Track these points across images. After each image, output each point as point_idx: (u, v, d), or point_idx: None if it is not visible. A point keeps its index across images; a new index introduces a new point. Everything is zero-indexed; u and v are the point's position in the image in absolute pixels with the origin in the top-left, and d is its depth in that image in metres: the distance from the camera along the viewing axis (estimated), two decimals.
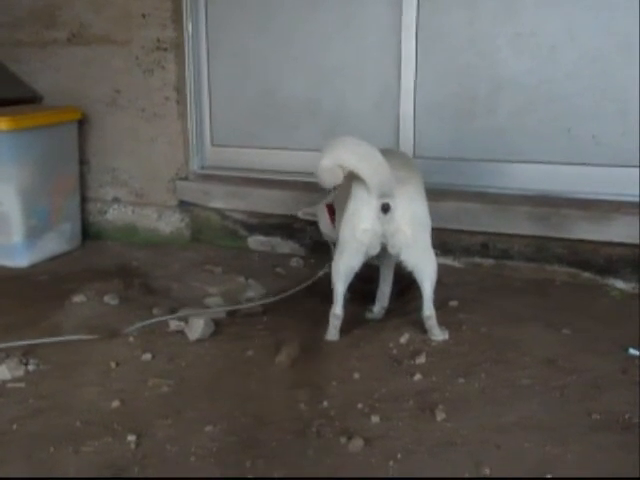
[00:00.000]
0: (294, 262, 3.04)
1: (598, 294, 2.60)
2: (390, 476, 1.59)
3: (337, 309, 2.26)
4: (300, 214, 2.80)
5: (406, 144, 2.97)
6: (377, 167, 2.08)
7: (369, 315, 2.48)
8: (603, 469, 1.58)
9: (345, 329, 2.28)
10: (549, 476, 1.55)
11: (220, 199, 3.29)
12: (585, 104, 2.72)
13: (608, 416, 1.78)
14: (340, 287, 2.24)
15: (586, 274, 2.70)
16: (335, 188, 2.58)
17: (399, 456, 1.64)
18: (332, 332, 2.27)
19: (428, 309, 2.22)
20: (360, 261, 2.21)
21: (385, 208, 2.11)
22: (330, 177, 2.13)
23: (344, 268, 2.22)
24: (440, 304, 2.30)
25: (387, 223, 2.12)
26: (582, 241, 2.68)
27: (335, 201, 2.51)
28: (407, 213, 2.14)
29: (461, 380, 1.98)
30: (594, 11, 2.65)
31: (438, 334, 2.23)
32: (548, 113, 2.78)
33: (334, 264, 2.25)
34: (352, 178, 2.14)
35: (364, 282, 2.49)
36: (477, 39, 2.84)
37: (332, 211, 2.62)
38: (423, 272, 2.20)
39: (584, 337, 2.22)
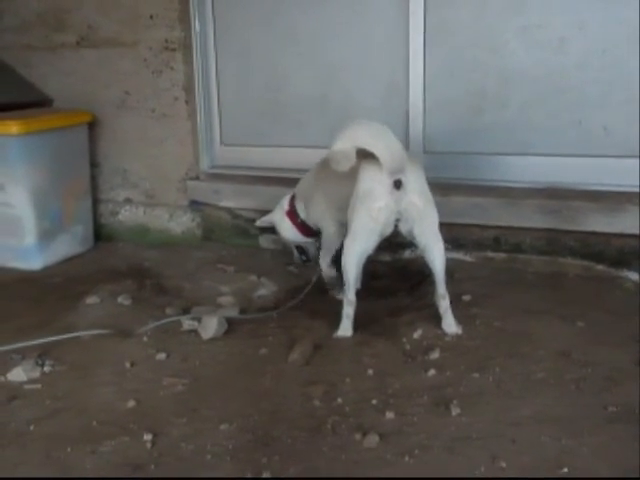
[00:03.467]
0: (298, 260, 3.04)
1: (611, 286, 2.58)
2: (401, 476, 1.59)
3: (351, 294, 2.26)
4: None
5: (416, 139, 2.97)
6: (389, 143, 2.12)
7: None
8: (619, 461, 1.58)
9: (357, 325, 2.28)
10: (565, 469, 1.55)
11: (231, 198, 3.29)
12: (595, 95, 2.71)
13: (624, 408, 1.77)
14: (353, 272, 2.23)
15: (599, 266, 2.69)
16: (294, 196, 2.66)
17: (415, 451, 1.64)
18: (346, 324, 2.27)
19: (441, 288, 2.25)
20: (375, 243, 2.22)
21: (397, 184, 2.13)
22: (345, 160, 2.15)
23: (358, 251, 2.22)
24: (453, 299, 2.30)
25: (400, 199, 2.15)
26: (594, 233, 2.67)
27: (326, 193, 2.51)
28: (417, 187, 2.18)
29: (475, 375, 1.97)
30: (602, 1, 2.64)
31: (452, 324, 2.23)
32: (558, 105, 2.77)
33: (346, 249, 2.24)
34: (358, 163, 2.16)
35: (373, 278, 2.50)
36: (485, 32, 2.83)
37: (293, 218, 2.66)
38: (433, 250, 2.23)
39: (598, 329, 2.22)
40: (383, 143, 2.12)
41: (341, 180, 2.31)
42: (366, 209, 2.17)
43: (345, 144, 2.14)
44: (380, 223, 2.17)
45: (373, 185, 2.16)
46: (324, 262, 2.65)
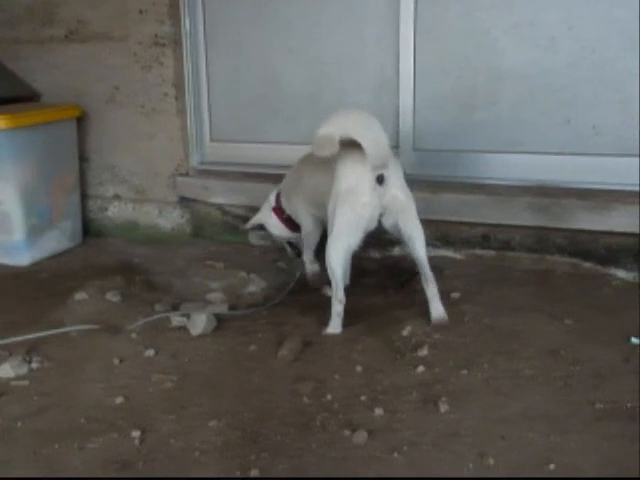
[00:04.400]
0: (289, 255, 3.04)
1: (599, 284, 2.60)
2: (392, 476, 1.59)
3: (340, 293, 2.25)
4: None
5: (405, 136, 2.97)
6: (377, 137, 2.12)
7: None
8: (607, 458, 1.59)
9: (346, 322, 2.28)
10: (553, 466, 1.55)
11: (220, 194, 3.28)
12: (585, 94, 2.72)
13: (611, 405, 1.78)
14: (339, 270, 2.23)
15: (587, 264, 2.70)
16: (279, 193, 2.68)
17: (404, 448, 1.65)
18: (336, 322, 2.26)
19: (428, 271, 2.27)
20: (359, 239, 2.21)
21: (380, 179, 2.14)
22: (328, 145, 2.13)
23: (343, 248, 2.21)
24: (442, 296, 2.31)
25: (383, 194, 2.16)
26: (583, 231, 2.68)
27: (304, 188, 2.52)
28: (398, 182, 2.20)
29: (464, 372, 1.98)
30: (593, 0, 2.64)
31: (439, 308, 2.25)
32: (548, 103, 2.77)
33: (330, 247, 2.23)
34: (337, 158, 2.16)
35: (362, 275, 2.50)
36: (476, 30, 2.83)
37: (280, 214, 2.68)
38: (417, 239, 2.26)
39: (586, 327, 2.23)
40: (371, 136, 2.11)
41: (319, 175, 2.32)
42: (350, 205, 2.16)
43: (331, 129, 2.13)
44: (365, 219, 2.17)
45: (356, 181, 2.15)
46: (307, 259, 2.69)
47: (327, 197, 2.25)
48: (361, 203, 2.15)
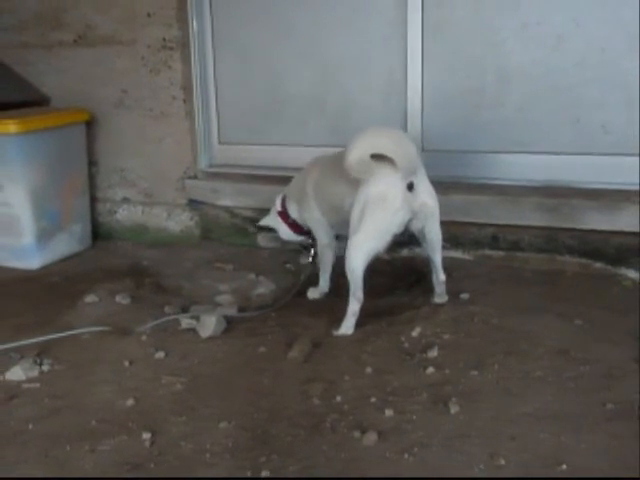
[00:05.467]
0: (304, 258, 3.04)
1: (609, 284, 2.59)
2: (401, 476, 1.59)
3: (359, 293, 2.27)
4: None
5: (414, 137, 2.95)
6: (407, 149, 2.17)
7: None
8: (618, 458, 1.58)
9: (356, 324, 2.28)
10: (564, 466, 1.55)
11: (229, 197, 3.29)
12: (593, 94, 2.71)
13: (622, 405, 1.78)
14: (360, 271, 2.25)
15: (597, 264, 2.69)
16: (285, 197, 2.66)
17: (414, 449, 1.64)
18: (350, 322, 2.27)
19: (443, 275, 2.41)
20: (388, 243, 2.24)
21: (410, 187, 2.18)
22: (362, 167, 2.18)
23: (371, 251, 2.24)
24: (451, 297, 2.30)
25: (413, 200, 2.20)
26: (592, 231, 2.67)
27: (320, 198, 2.51)
28: (427, 187, 2.25)
29: (474, 372, 1.98)
30: (600, 0, 2.64)
31: (444, 296, 2.42)
32: (556, 103, 2.77)
33: (355, 249, 2.24)
34: (365, 166, 2.18)
35: (371, 276, 2.49)
36: (483, 30, 2.83)
37: (285, 218, 2.66)
38: (438, 242, 2.35)
39: (596, 327, 2.22)
40: (401, 150, 2.15)
41: (336, 183, 2.33)
42: (382, 211, 2.19)
43: (364, 151, 2.16)
44: (395, 224, 2.21)
45: (387, 188, 2.18)
46: (323, 283, 2.64)
47: (347, 200, 2.28)
48: (393, 209, 2.19)
